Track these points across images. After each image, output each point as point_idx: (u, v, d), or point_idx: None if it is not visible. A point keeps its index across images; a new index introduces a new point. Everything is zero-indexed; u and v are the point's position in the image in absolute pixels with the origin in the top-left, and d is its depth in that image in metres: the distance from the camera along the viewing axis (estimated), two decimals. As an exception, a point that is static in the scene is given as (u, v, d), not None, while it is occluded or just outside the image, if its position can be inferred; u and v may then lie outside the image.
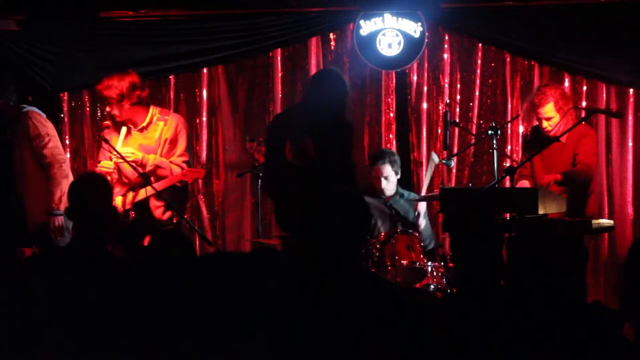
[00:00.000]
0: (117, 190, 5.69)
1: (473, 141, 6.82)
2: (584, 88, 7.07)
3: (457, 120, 6.96)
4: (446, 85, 7.21)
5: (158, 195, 5.59)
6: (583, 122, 5.60)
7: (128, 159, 5.50)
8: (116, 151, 5.52)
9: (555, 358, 2.70)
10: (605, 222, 5.70)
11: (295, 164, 4.97)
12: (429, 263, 5.68)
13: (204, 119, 7.35)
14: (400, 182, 6.55)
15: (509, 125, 7.01)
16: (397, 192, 6.46)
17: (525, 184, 5.89)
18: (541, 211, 4.84)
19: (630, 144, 6.99)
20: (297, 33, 7.21)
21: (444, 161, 6.14)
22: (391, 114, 7.26)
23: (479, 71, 7.18)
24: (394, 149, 7.03)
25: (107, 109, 5.72)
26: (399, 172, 6.48)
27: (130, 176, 5.71)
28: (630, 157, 6.99)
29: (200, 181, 7.30)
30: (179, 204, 5.75)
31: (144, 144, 5.70)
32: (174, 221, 5.72)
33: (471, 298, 3.01)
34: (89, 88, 6.95)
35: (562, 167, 5.77)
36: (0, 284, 2.82)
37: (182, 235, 3.95)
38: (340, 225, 3.00)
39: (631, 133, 6.99)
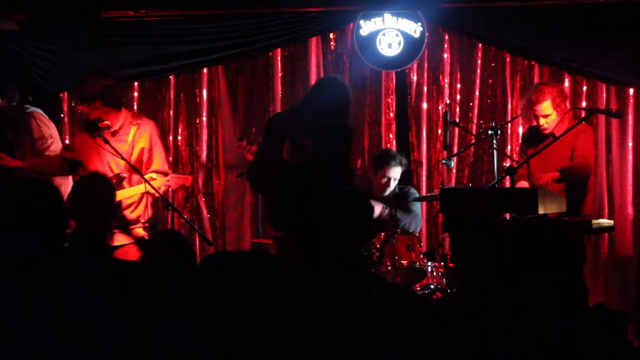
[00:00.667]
0: None
1: (473, 141, 6.82)
2: (584, 88, 7.08)
3: (457, 120, 6.96)
4: (446, 85, 7.22)
5: (163, 197, 5.55)
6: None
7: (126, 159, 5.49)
8: (116, 151, 5.51)
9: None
10: (605, 222, 5.71)
11: (292, 163, 4.98)
12: (429, 263, 5.68)
13: (204, 119, 7.36)
14: (400, 182, 6.55)
15: (509, 125, 7.01)
16: (393, 190, 6.43)
17: (524, 184, 5.89)
18: (541, 211, 4.84)
19: (630, 144, 6.99)
20: (297, 33, 7.21)
21: (444, 161, 6.14)
22: (391, 114, 7.27)
23: (479, 71, 7.18)
24: (394, 149, 7.02)
25: (79, 108, 5.66)
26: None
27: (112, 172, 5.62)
28: (630, 157, 6.99)
29: (200, 181, 7.31)
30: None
31: (117, 147, 5.60)
32: (142, 221, 5.65)
33: (471, 298, 3.01)
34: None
35: (559, 165, 5.77)
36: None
37: (180, 235, 3.95)
38: (340, 226, 3.00)
39: (631, 133, 6.99)
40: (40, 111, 6.13)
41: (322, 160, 4.94)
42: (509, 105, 7.14)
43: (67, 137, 7.28)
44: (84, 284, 2.80)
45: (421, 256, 5.67)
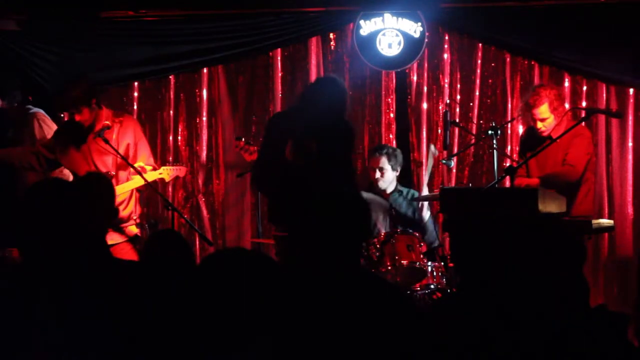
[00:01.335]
0: None
1: (473, 141, 6.82)
2: (584, 88, 7.08)
3: (457, 120, 6.96)
4: (446, 85, 7.22)
5: (163, 197, 5.55)
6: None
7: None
8: (116, 151, 5.51)
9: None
10: (605, 222, 5.71)
11: (296, 163, 4.97)
12: (429, 263, 5.69)
13: (204, 119, 7.36)
14: (400, 182, 6.56)
15: (509, 125, 7.01)
16: (396, 189, 6.48)
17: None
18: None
19: (630, 144, 6.99)
20: (297, 33, 7.21)
21: (444, 161, 6.14)
22: (391, 114, 7.26)
23: (479, 71, 7.18)
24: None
25: (70, 116, 5.60)
26: (398, 169, 6.49)
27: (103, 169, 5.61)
28: (630, 157, 6.99)
29: (200, 181, 7.31)
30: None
31: (103, 146, 5.57)
32: (134, 218, 5.66)
33: (471, 298, 3.01)
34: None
35: (555, 167, 5.79)
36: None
37: (180, 235, 3.95)
38: (340, 226, 3.00)
39: (631, 133, 6.99)
40: (43, 112, 6.14)
41: (325, 160, 4.94)
42: (509, 105, 7.14)
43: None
44: (84, 284, 2.80)
45: (421, 256, 5.67)
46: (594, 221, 5.39)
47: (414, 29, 7.05)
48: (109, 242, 5.40)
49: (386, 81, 7.24)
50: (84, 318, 2.73)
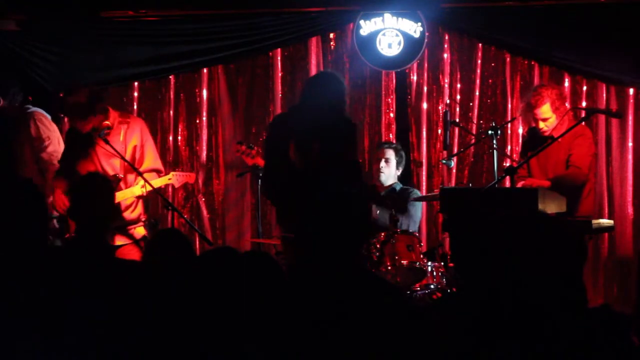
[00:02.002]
0: None
1: (473, 141, 6.82)
2: (584, 88, 7.08)
3: (457, 120, 6.96)
4: (446, 85, 7.22)
5: (163, 197, 5.55)
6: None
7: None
8: (117, 152, 5.50)
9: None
10: (605, 222, 5.71)
11: (299, 166, 4.95)
12: (429, 263, 5.69)
13: (204, 119, 7.36)
14: (402, 183, 6.55)
15: (509, 125, 7.01)
16: (392, 186, 6.44)
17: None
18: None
19: (630, 144, 6.99)
20: (297, 33, 7.21)
21: (444, 161, 6.14)
22: (391, 114, 7.27)
23: (479, 71, 7.18)
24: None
25: (78, 125, 5.57)
26: (400, 168, 6.49)
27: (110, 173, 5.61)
28: (630, 157, 6.99)
29: (200, 181, 7.31)
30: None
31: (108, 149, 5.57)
32: (143, 220, 5.66)
33: (471, 298, 3.01)
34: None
35: (557, 167, 5.78)
36: None
37: (180, 235, 3.95)
38: (340, 226, 3.00)
39: (631, 133, 6.99)
40: (42, 111, 6.12)
41: (328, 160, 4.93)
42: (509, 105, 7.14)
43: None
44: (84, 284, 2.81)
45: (421, 256, 5.67)
46: (594, 221, 5.39)
47: (414, 29, 7.05)
48: (117, 243, 5.42)
49: (386, 81, 7.24)
50: (84, 318, 2.73)
